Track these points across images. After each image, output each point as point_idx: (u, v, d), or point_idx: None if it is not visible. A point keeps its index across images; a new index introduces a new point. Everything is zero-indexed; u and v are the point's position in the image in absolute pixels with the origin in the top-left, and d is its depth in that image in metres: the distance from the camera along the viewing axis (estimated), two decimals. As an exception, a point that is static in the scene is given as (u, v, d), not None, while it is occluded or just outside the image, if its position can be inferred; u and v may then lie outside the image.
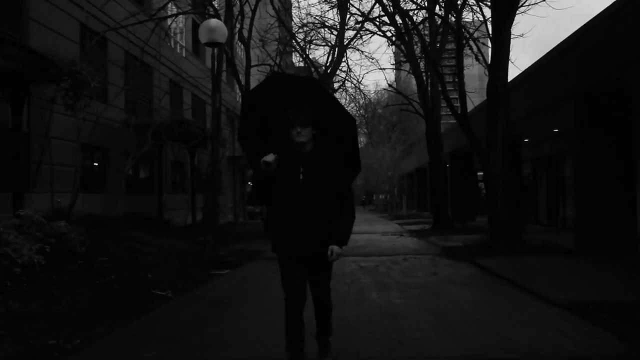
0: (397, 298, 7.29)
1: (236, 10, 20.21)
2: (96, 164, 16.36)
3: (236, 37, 21.28)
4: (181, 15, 21.95)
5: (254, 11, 21.61)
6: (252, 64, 22.01)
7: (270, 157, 3.91)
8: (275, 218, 4.10)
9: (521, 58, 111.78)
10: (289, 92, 4.19)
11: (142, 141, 15.22)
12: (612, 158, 11.72)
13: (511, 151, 18.01)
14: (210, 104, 25.58)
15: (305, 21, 24.94)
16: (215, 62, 12.62)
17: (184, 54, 24.69)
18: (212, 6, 17.82)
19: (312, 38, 25.56)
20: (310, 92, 4.25)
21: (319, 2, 44.17)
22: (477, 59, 17.06)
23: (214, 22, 11.72)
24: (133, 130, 15.16)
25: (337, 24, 24.38)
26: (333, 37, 25.27)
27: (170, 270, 9.96)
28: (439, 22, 19.66)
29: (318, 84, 4.76)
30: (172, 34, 21.13)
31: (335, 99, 4.63)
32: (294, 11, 28.25)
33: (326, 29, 24.96)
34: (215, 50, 12.13)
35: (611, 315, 5.78)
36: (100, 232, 11.57)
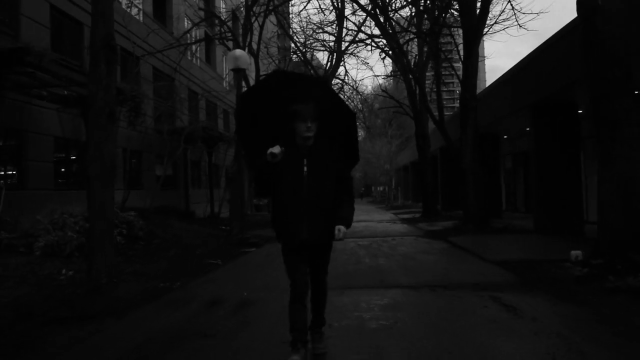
0: (383, 261, 10.32)
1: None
2: (135, 165, 19.35)
3: (246, 49, 24.18)
4: (195, 28, 24.89)
5: (261, 26, 24.50)
6: (261, 72, 24.91)
7: (276, 149, 4.02)
8: (278, 209, 4.25)
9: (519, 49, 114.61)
10: (293, 88, 4.39)
11: (174, 145, 18.22)
12: (562, 155, 14.54)
13: (488, 147, 21.15)
14: (220, 105, 28.70)
15: (305, 28, 27.54)
16: (236, 82, 15.60)
17: (198, 63, 27.62)
18: (229, 28, 20.66)
19: (312, 43, 28.11)
20: (315, 88, 4.56)
21: (318, 12, 46.79)
22: (454, 74, 20.08)
23: (238, 52, 14.71)
24: (167, 136, 18.15)
25: (335, 30, 27.10)
26: (332, 43, 28.01)
27: (210, 249, 12.97)
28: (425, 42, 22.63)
29: (321, 81, 5.13)
30: (193, 51, 23.98)
31: (337, 95, 4.91)
32: (296, 19, 30.91)
33: (325, 34, 27.62)
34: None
35: (522, 267, 8.76)
36: (148, 221, 14.55)
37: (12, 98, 11.88)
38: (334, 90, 4.95)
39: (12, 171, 13.18)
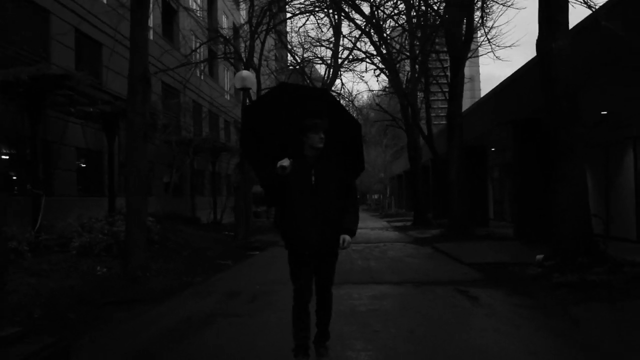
0: (374, 263, 11.81)
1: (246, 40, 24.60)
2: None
3: (249, 66, 25.69)
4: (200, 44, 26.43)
5: (262, 43, 26.02)
6: (262, 87, 26.41)
7: (286, 162, 4.13)
8: (287, 218, 4.35)
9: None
10: (300, 101, 4.48)
11: (182, 155, 19.69)
12: (540, 168, 15.87)
13: (475, 159, 22.69)
14: (222, 116, 30.14)
15: (303, 42, 29.02)
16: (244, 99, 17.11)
17: (202, 77, 29.12)
18: (233, 47, 22.15)
19: (310, 57, 29.50)
20: (322, 101, 4.65)
21: (316, 27, 48.27)
22: (441, 91, 21.69)
23: (245, 72, 16.23)
24: (175, 147, 19.62)
25: (332, 45, 28.52)
26: (329, 58, 29.44)
27: (219, 251, 14.39)
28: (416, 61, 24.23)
29: (329, 94, 5.17)
30: (202, 69, 25.50)
31: (344, 108, 4.98)
32: (294, 36, 32.46)
33: (323, 47, 29.05)
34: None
35: (492, 268, 10.24)
36: (161, 226, 15.98)
37: (45, 114, 13.33)
38: (339, 101, 5.08)
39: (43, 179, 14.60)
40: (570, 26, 9.18)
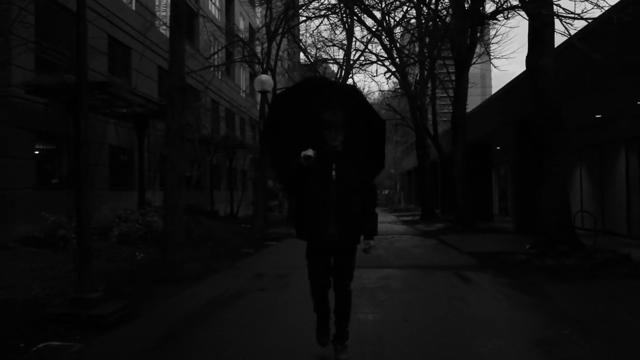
0: (382, 252, 13.07)
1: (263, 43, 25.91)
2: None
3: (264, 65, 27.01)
4: (218, 46, 27.79)
5: (278, 45, 27.30)
6: (278, 87, 27.71)
7: (310, 152, 4.17)
8: (307, 212, 4.39)
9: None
10: (325, 95, 4.52)
11: (203, 152, 21.03)
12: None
13: (481, 157, 23.87)
14: (238, 114, 31.47)
15: (316, 42, 30.29)
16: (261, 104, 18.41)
17: (219, 76, 30.46)
18: (252, 50, 23.46)
19: (322, 57, 30.71)
20: (347, 96, 4.63)
21: (330, 29, 49.45)
22: (447, 95, 22.92)
23: (264, 76, 17.52)
24: (198, 145, 20.95)
25: (344, 45, 29.73)
26: (341, 57, 30.67)
27: (240, 242, 15.71)
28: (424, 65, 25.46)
29: (355, 90, 5.13)
30: (223, 70, 26.85)
31: (369, 105, 4.91)
32: (308, 37, 33.62)
33: (335, 47, 30.27)
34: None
35: (487, 256, 11.44)
36: (185, 218, 17.31)
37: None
38: (364, 96, 5.03)
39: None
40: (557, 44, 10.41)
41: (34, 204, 12.65)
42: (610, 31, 8.60)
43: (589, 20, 9.20)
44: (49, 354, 4.83)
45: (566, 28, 9.09)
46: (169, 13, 20.47)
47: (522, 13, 11.09)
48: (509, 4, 12.53)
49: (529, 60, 10.38)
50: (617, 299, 7.11)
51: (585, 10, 10.50)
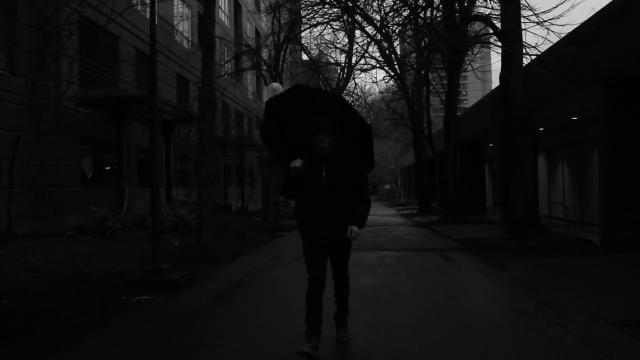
0: (380, 239, 15.16)
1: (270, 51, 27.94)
2: (187, 167, 24.32)
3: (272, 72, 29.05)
4: (227, 50, 29.88)
5: (285, 51, 29.31)
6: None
7: (298, 163, 4.49)
8: (302, 209, 4.71)
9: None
10: (311, 103, 4.78)
11: (218, 152, 23.11)
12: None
13: (474, 154, 25.91)
14: (246, 114, 33.43)
15: (319, 45, 32.16)
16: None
17: (234, 83, 32.52)
18: (261, 58, 25.50)
19: (325, 59, 32.56)
20: (332, 104, 4.84)
21: (332, 32, 51.26)
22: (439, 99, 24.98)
23: (275, 85, 19.43)
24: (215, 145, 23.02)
25: (346, 48, 31.53)
26: (342, 59, 32.57)
27: (255, 232, 17.79)
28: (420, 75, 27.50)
29: (339, 98, 5.40)
30: (233, 76, 28.93)
31: (354, 110, 5.09)
32: (312, 41, 35.52)
33: (337, 49, 32.13)
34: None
35: (468, 241, 13.49)
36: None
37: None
38: (348, 103, 5.34)
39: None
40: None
41: (81, 199, 14.76)
42: (553, 62, 10.75)
43: (541, 52, 11.35)
44: (144, 303, 6.93)
45: (529, 55, 11.20)
46: (188, 26, 22.60)
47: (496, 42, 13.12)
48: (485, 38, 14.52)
49: (501, 76, 12.43)
50: (564, 270, 9.19)
51: (539, 44, 12.40)
